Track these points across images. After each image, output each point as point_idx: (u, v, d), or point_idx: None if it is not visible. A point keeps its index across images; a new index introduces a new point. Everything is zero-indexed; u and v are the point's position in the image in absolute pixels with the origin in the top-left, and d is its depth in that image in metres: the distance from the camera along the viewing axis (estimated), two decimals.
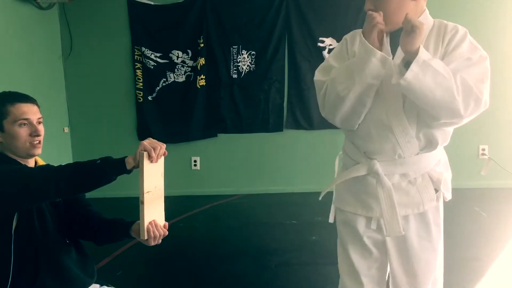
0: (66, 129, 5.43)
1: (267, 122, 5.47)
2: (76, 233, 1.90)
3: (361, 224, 1.83)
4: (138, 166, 1.50)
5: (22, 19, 4.52)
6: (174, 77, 5.41)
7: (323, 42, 5.21)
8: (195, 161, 5.58)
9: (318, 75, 1.88)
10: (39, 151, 1.80)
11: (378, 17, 1.61)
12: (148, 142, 1.53)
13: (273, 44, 5.32)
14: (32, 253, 1.72)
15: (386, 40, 1.72)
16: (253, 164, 5.58)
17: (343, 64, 1.75)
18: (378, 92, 1.67)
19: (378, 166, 1.73)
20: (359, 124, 1.76)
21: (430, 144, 1.73)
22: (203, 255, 3.75)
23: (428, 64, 1.50)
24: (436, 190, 1.76)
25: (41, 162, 1.90)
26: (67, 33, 5.29)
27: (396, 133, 1.69)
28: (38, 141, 1.78)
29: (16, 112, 1.74)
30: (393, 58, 1.67)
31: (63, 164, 1.62)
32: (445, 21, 1.71)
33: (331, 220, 2.01)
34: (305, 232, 4.09)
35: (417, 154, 1.72)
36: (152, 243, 1.65)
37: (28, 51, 4.61)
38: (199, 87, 5.37)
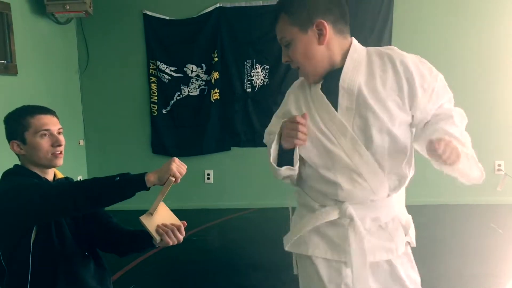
0: (82, 142, 5.49)
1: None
2: (97, 246, 1.92)
3: (328, 270, 1.61)
4: (161, 185, 1.52)
5: (40, 33, 4.61)
6: (188, 90, 5.45)
7: None
8: (208, 174, 5.59)
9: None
10: (60, 161, 1.82)
11: (301, 134, 1.49)
12: (177, 168, 1.52)
13: None
14: (50, 265, 1.73)
15: (318, 92, 1.57)
16: (266, 178, 5.52)
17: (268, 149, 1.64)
18: (329, 138, 1.53)
19: (351, 209, 1.54)
20: (322, 171, 1.57)
21: (400, 182, 1.58)
22: (217, 269, 3.74)
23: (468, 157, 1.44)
24: (405, 234, 1.64)
25: (59, 174, 1.92)
26: (84, 47, 5.38)
27: (365, 176, 1.52)
28: (59, 151, 1.80)
29: (37, 123, 1.77)
30: (336, 104, 1.52)
31: (81, 180, 1.64)
32: (381, 49, 1.55)
33: (296, 271, 1.76)
34: None
35: (388, 195, 1.57)
36: (170, 242, 1.65)
37: (46, 65, 4.69)
38: (213, 100, 5.41)
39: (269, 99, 5.41)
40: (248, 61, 5.40)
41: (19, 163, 1.85)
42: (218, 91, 5.41)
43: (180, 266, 3.74)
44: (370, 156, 1.51)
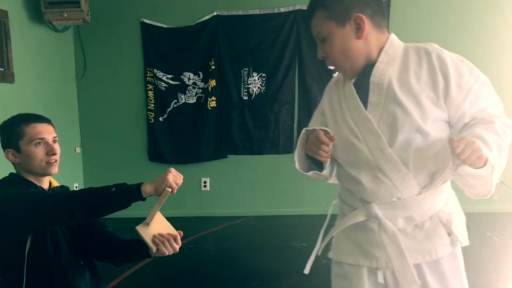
0: (78, 149, 5.48)
1: (277, 144, 5.48)
2: (93, 255, 1.91)
3: (363, 278, 1.58)
4: (157, 195, 1.52)
5: (37, 41, 4.62)
6: (185, 98, 5.46)
7: None
8: (205, 182, 5.59)
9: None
10: (55, 170, 1.81)
11: (322, 152, 1.45)
12: (173, 179, 1.52)
13: (283, 67, 5.37)
14: (45, 274, 1.72)
15: (350, 88, 1.56)
16: (263, 186, 5.57)
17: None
18: (355, 134, 1.52)
19: (377, 210, 1.51)
20: (347, 168, 1.58)
21: (433, 179, 1.48)
22: (213, 277, 3.72)
23: (499, 163, 1.36)
24: (449, 234, 1.52)
25: (55, 182, 1.92)
26: (81, 55, 5.38)
27: (387, 173, 1.48)
28: (54, 160, 1.80)
29: (31, 132, 1.76)
30: (367, 99, 1.51)
31: (77, 190, 1.63)
32: (420, 45, 1.50)
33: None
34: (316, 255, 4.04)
35: (419, 193, 1.49)
36: (166, 252, 1.64)
37: (43, 72, 4.69)
38: (209, 108, 5.41)
39: (265, 107, 5.43)
40: (245, 69, 5.41)
41: (14, 171, 1.84)
42: (215, 98, 5.42)
43: (176, 275, 3.72)
44: (392, 153, 1.46)
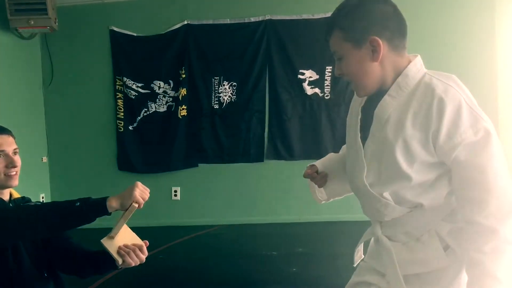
0: (45, 159, 5.36)
1: (248, 153, 5.50)
2: (57, 267, 1.86)
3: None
4: (123, 210, 1.51)
5: (3, 48, 4.52)
6: (155, 107, 5.43)
7: (303, 74, 5.30)
8: (175, 191, 5.55)
9: None
10: (15, 182, 1.77)
11: (316, 180, 1.80)
12: (140, 194, 1.51)
13: (254, 75, 5.40)
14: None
15: (357, 111, 1.61)
16: (234, 195, 5.56)
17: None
18: (352, 158, 1.61)
19: (378, 228, 1.59)
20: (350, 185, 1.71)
21: (416, 207, 1.50)
22: (184, 287, 3.69)
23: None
24: (446, 247, 1.49)
25: (15, 194, 1.87)
26: (48, 62, 5.30)
27: (369, 202, 1.55)
28: (14, 172, 1.75)
29: None
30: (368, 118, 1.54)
31: (40, 204, 1.60)
32: (435, 80, 1.40)
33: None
34: (285, 264, 4.06)
35: (410, 211, 1.51)
36: (132, 263, 1.62)
37: (9, 80, 4.59)
38: (180, 117, 5.39)
39: (236, 115, 5.45)
40: (216, 77, 5.42)
41: None
42: (185, 107, 5.41)
43: (147, 285, 3.68)
44: (366, 185, 1.51)
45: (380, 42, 1.41)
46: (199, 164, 5.54)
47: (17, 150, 1.80)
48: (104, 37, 5.34)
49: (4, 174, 1.73)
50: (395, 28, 1.44)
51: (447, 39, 5.21)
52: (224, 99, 5.44)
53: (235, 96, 5.44)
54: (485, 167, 1.33)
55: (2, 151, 1.73)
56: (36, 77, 5.25)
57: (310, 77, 5.29)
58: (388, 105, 1.45)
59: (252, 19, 5.35)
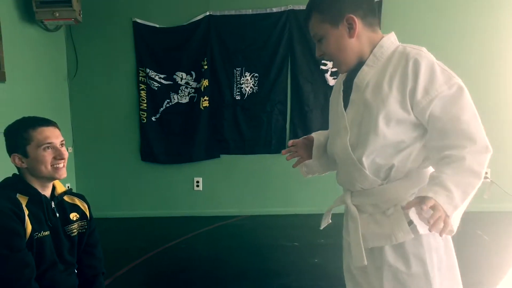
0: (70, 149, 5.46)
1: (270, 143, 5.50)
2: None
3: (347, 252, 1.82)
4: None
5: (29, 40, 4.59)
6: (177, 98, 5.46)
7: (325, 65, 5.26)
8: (197, 181, 5.59)
9: None
10: (63, 174, 1.81)
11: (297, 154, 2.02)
12: None
13: (276, 66, 5.38)
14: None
15: (339, 84, 1.76)
16: (255, 185, 5.58)
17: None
18: (334, 127, 1.75)
19: (348, 196, 1.70)
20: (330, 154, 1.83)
21: (391, 172, 1.59)
22: (204, 277, 3.73)
23: (458, 205, 1.46)
24: (412, 222, 1.54)
25: (60, 186, 1.91)
26: (73, 54, 5.37)
27: (346, 168, 1.67)
28: (62, 164, 1.78)
29: (39, 136, 1.74)
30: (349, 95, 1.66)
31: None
32: (408, 48, 1.56)
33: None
34: (307, 255, 4.07)
35: (381, 184, 1.61)
36: None
37: (35, 72, 4.67)
38: (202, 108, 5.42)
39: (258, 106, 5.45)
40: (238, 68, 5.42)
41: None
42: (207, 98, 5.43)
43: (168, 275, 3.72)
44: (348, 148, 1.62)
45: (355, 18, 1.56)
46: (220, 155, 5.56)
47: (64, 142, 1.83)
48: (127, 28, 5.38)
49: (52, 166, 1.76)
50: (367, 8, 1.61)
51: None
52: (246, 90, 5.44)
53: (256, 87, 5.44)
54: (459, 115, 1.45)
55: (50, 143, 1.76)
56: (61, 68, 5.33)
57: (333, 68, 5.24)
58: (367, 73, 1.59)
59: (274, 9, 5.32)
